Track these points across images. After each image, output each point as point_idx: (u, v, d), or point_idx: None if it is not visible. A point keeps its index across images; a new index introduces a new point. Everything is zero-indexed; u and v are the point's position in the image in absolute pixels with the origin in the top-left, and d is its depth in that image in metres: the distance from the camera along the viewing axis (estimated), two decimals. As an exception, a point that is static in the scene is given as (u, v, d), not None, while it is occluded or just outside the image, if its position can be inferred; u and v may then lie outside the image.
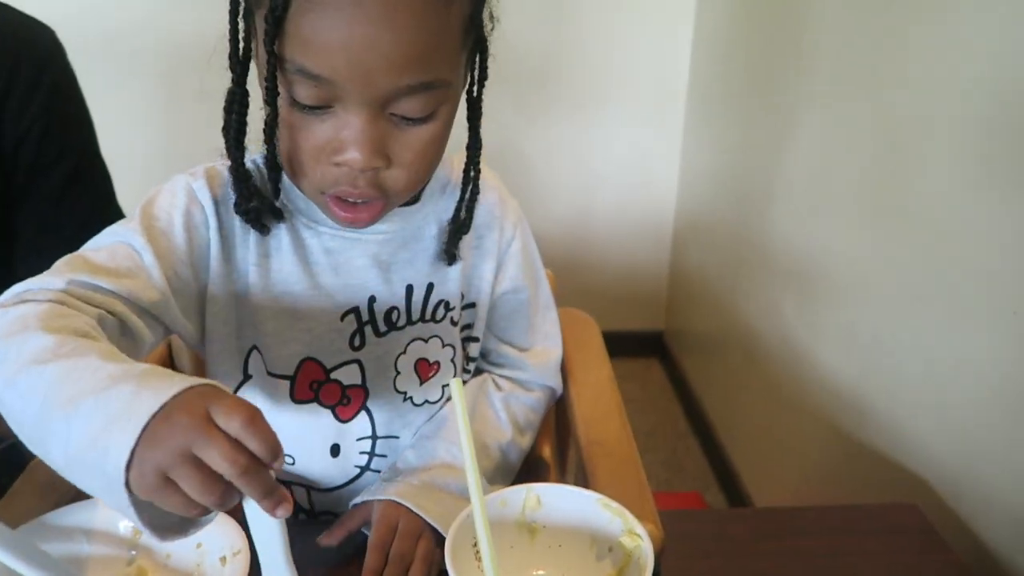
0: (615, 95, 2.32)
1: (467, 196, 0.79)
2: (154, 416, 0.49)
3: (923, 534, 0.81)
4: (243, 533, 0.68)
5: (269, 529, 0.53)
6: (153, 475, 0.48)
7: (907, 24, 1.17)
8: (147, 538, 0.71)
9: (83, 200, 1.05)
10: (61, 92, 1.02)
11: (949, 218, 1.06)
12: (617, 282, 2.52)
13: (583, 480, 0.82)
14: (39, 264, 0.66)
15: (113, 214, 1.08)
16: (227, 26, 0.68)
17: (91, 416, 0.50)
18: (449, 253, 0.80)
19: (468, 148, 0.78)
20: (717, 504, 1.94)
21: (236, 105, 0.68)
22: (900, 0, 1.20)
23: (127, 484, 0.49)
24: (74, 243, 0.70)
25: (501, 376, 0.92)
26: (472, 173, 0.78)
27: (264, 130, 0.67)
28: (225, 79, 0.69)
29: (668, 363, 2.51)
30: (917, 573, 0.76)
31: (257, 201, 0.72)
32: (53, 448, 0.53)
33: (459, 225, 0.79)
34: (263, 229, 0.74)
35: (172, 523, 0.54)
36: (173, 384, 0.51)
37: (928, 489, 1.02)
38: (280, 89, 0.64)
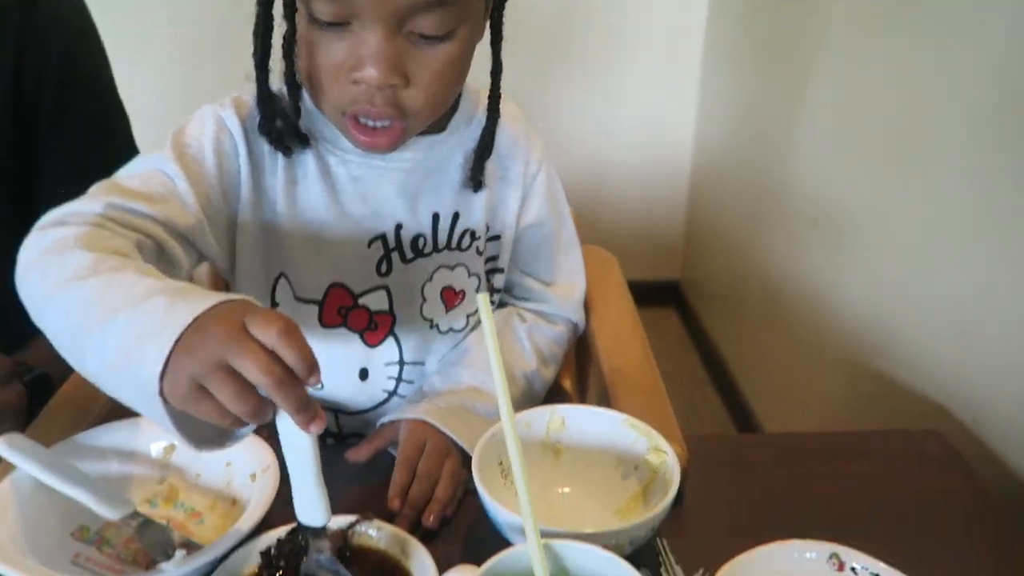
0: (632, 42, 2.28)
1: (490, 119, 0.79)
2: (188, 327, 0.49)
3: (948, 460, 0.81)
4: (272, 451, 0.69)
5: (301, 446, 0.53)
6: (187, 384, 0.48)
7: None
8: (178, 458, 0.73)
9: (106, 143, 1.05)
10: (82, 33, 1.01)
11: (974, 156, 1.04)
12: (633, 231, 2.50)
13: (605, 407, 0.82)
14: None
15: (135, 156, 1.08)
16: None
17: (126, 327, 0.51)
18: (475, 179, 0.80)
19: (491, 73, 0.78)
20: (734, 449, 1.95)
21: (261, 28, 0.68)
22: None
23: (161, 393, 0.49)
24: None
25: (525, 309, 0.92)
26: (494, 96, 0.78)
27: (283, 46, 0.67)
28: (240, 24, 0.69)
29: (685, 312, 2.51)
30: (943, 498, 0.75)
31: (281, 122, 0.72)
32: (90, 360, 0.54)
33: (483, 149, 0.79)
34: (287, 151, 0.74)
35: (209, 435, 0.54)
36: (209, 298, 0.51)
37: (950, 418, 1.01)
38: (298, 5, 0.64)
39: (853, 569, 0.60)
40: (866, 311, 1.34)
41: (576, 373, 1.04)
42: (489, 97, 0.78)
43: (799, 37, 1.65)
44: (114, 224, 0.63)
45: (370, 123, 0.68)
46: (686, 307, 2.50)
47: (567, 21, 2.24)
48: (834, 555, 0.60)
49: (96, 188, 0.67)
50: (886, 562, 0.59)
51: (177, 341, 0.49)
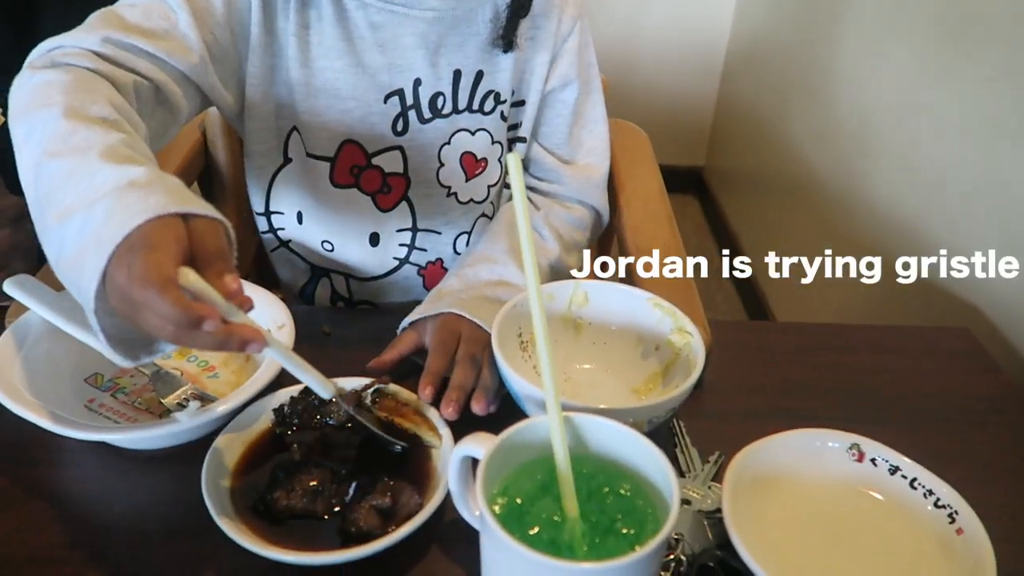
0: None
1: None
2: (119, 245, 0.45)
3: (974, 356, 0.79)
4: (287, 309, 0.67)
5: (268, 351, 0.50)
6: (124, 317, 0.46)
7: None
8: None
9: None
10: None
11: (1020, 48, 0.98)
12: (660, 115, 2.42)
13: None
14: None
15: None
16: None
17: (77, 233, 0.48)
18: (506, 39, 0.75)
19: None
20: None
21: None
22: None
23: (96, 312, 0.47)
24: None
25: (538, 194, 0.86)
26: None
27: None
28: None
29: (706, 200, 2.46)
30: (967, 394, 0.74)
31: None
32: (48, 246, 0.51)
33: (518, 6, 0.74)
34: None
35: (141, 345, 0.52)
36: (147, 207, 0.45)
37: (979, 316, 0.99)
38: None
39: (873, 460, 0.59)
40: (897, 208, 1.30)
41: (594, 256, 1.01)
42: None
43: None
44: (109, 64, 0.59)
45: None
46: (708, 195, 2.45)
47: None
48: (855, 445, 0.59)
49: (94, 18, 0.63)
50: (906, 455, 0.58)
51: (110, 260, 0.45)
